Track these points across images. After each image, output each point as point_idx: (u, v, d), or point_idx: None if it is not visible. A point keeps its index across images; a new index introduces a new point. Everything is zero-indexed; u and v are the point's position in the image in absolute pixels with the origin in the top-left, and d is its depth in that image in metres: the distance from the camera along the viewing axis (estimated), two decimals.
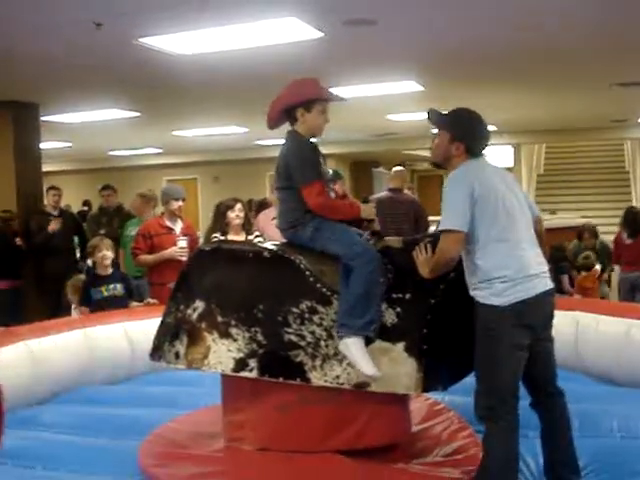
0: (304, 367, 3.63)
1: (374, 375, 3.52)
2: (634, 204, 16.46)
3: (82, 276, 7.25)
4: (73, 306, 6.62)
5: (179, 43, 6.22)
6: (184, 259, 6.12)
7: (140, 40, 6.05)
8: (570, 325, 5.37)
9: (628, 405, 4.48)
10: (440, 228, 3.38)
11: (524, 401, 3.57)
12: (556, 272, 8.20)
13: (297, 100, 3.72)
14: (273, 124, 3.88)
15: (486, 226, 3.35)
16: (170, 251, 6.51)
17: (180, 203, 6.83)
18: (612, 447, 3.97)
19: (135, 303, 6.42)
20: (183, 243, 6.53)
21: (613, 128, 15.42)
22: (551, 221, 11.01)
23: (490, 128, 13.39)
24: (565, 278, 8.32)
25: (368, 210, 3.84)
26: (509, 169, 19.39)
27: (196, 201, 19.55)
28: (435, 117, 3.68)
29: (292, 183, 3.71)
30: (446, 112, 3.69)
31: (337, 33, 6.06)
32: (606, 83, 9.40)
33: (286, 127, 3.89)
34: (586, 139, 17.76)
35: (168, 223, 6.82)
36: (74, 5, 5.12)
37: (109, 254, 6.33)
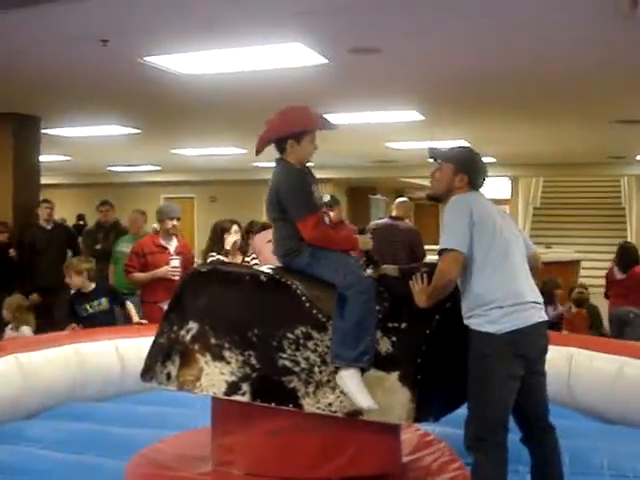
0: (297, 393, 3.60)
1: (370, 407, 3.50)
2: (629, 240, 16.52)
3: (34, 295, 7.40)
4: (9, 326, 6.44)
5: (184, 63, 6.25)
6: (177, 278, 6.11)
7: (145, 59, 6.08)
8: (564, 360, 5.36)
9: (619, 443, 4.46)
10: (440, 247, 3.43)
11: (515, 435, 3.57)
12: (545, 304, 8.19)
13: (287, 132, 3.67)
14: (260, 152, 3.83)
15: (483, 251, 3.41)
16: (163, 270, 6.49)
17: (175, 222, 6.82)
18: None
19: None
20: (176, 262, 6.51)
21: (611, 164, 15.52)
22: (546, 255, 11.01)
23: (488, 160, 13.63)
24: (549, 310, 8.28)
25: (365, 241, 3.81)
26: (506, 201, 19.50)
27: (192, 220, 19.56)
28: (437, 151, 3.81)
29: (286, 215, 3.69)
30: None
31: (341, 60, 6.10)
32: (605, 120, 9.48)
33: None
34: (583, 174, 17.88)
35: (162, 242, 6.80)
36: (81, 21, 5.13)
37: (79, 278, 6.21)
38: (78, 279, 6.20)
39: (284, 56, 5.93)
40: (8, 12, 4.84)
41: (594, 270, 12.91)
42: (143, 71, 6.51)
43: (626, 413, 4.96)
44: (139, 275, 6.64)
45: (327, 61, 6.08)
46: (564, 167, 16.16)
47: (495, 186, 21.61)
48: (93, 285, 6.26)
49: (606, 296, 8.83)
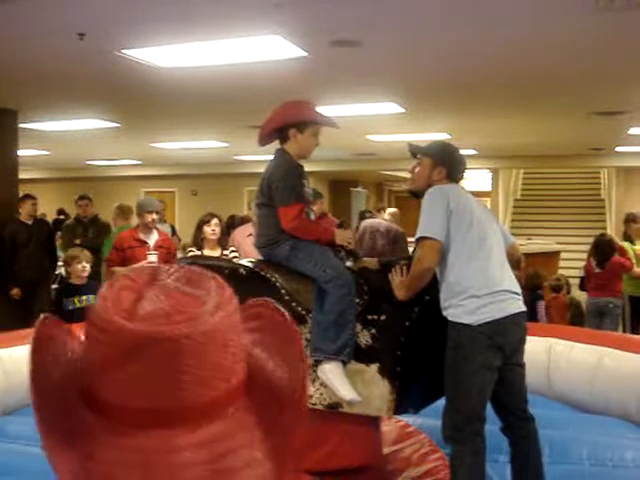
0: None
1: (353, 400, 3.50)
2: (608, 232, 16.63)
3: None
4: None
5: (162, 56, 6.21)
6: None
7: (123, 51, 6.03)
8: (543, 351, 5.39)
9: (598, 432, 4.51)
10: (417, 236, 3.48)
11: (495, 425, 3.60)
12: (532, 299, 8.26)
13: (292, 120, 3.73)
14: (264, 142, 3.87)
15: (459, 240, 3.45)
16: (139, 265, 6.46)
17: (154, 216, 6.80)
18: (581, 475, 4.00)
19: None
20: (153, 258, 6.47)
21: (590, 156, 15.61)
22: (526, 246, 11.08)
23: (469, 152, 13.63)
24: (541, 305, 8.34)
25: (342, 236, 3.80)
26: (487, 193, 19.56)
27: (174, 214, 19.49)
28: (416, 147, 3.89)
29: (271, 201, 3.71)
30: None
31: (321, 53, 6.08)
32: (585, 112, 9.52)
33: (273, 146, 3.90)
34: (564, 166, 17.97)
35: (142, 236, 6.77)
36: (57, 15, 5.09)
37: (88, 267, 6.28)
38: (89, 266, 6.25)
39: (264, 49, 5.90)
40: None
41: (574, 261, 12.99)
42: (121, 64, 6.46)
43: (605, 403, 5.01)
44: (118, 270, 6.62)
45: (307, 54, 6.07)
46: (545, 159, 16.24)
47: (476, 178, 21.72)
48: (86, 280, 6.30)
49: (581, 288, 8.90)
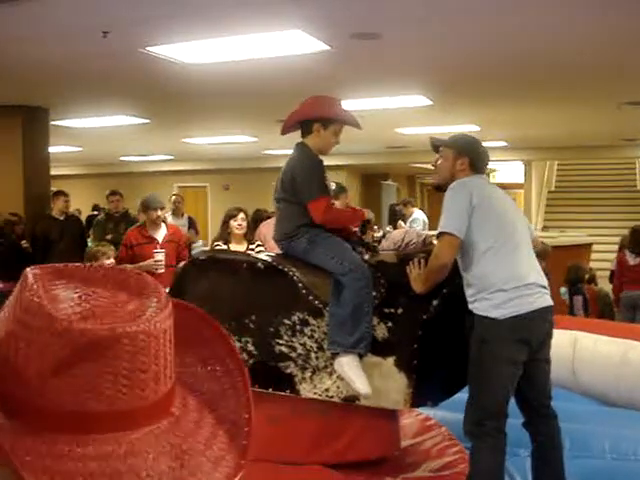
0: (294, 379, 3.63)
1: (367, 394, 3.52)
2: None
3: None
4: None
5: (185, 52, 6.27)
6: (161, 271, 6.15)
7: (147, 49, 6.10)
8: (568, 344, 5.35)
9: (621, 426, 4.46)
10: (437, 231, 3.47)
11: (517, 419, 3.57)
12: (570, 293, 8.20)
13: (317, 115, 3.76)
14: (286, 131, 3.91)
15: (484, 235, 3.41)
16: (146, 263, 6.46)
17: (159, 212, 6.83)
18: (603, 468, 3.96)
19: None
20: (160, 256, 6.45)
21: (623, 147, 15.40)
22: (556, 239, 10.96)
23: (500, 144, 13.47)
24: (579, 299, 8.22)
25: (367, 214, 3.88)
26: (520, 185, 19.40)
27: (206, 209, 19.61)
28: (438, 140, 3.87)
29: (293, 196, 3.73)
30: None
31: (344, 46, 6.09)
32: (614, 102, 9.39)
33: (293, 136, 3.92)
34: (596, 157, 17.74)
35: (149, 232, 6.80)
36: (82, 13, 5.16)
37: (108, 263, 6.33)
38: (109, 262, 6.32)
39: (286, 43, 5.93)
40: (13, 4, 4.87)
41: (608, 254, 12.81)
42: (146, 61, 6.53)
43: (630, 396, 4.96)
44: (126, 267, 6.66)
45: (329, 48, 6.07)
46: (577, 150, 16.04)
47: (509, 171, 21.53)
48: None
49: (611, 281, 8.77)
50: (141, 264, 6.49)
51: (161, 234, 6.81)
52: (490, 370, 3.35)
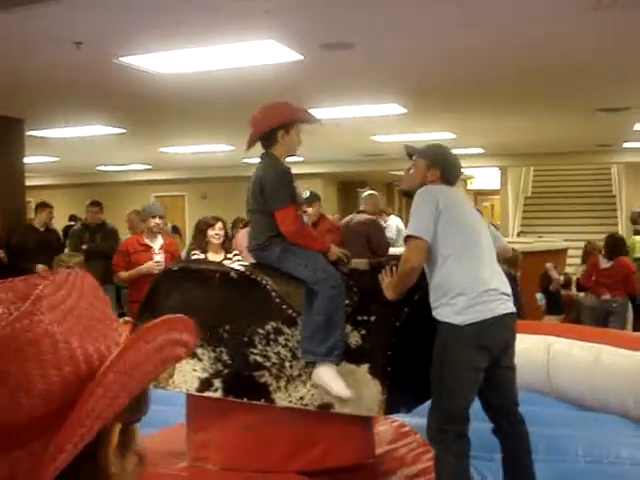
0: (269, 388, 3.64)
1: (347, 396, 3.52)
2: (620, 228, 16.57)
3: None
4: None
5: (158, 62, 6.27)
6: None
7: (120, 59, 6.09)
8: (543, 349, 5.39)
9: (594, 430, 4.51)
10: (404, 235, 3.55)
11: (490, 424, 3.61)
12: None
13: (277, 123, 3.75)
14: (251, 146, 3.90)
15: (448, 240, 3.46)
16: (147, 265, 6.51)
17: (157, 220, 6.84)
18: (576, 472, 4.00)
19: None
20: (160, 257, 6.54)
21: (598, 153, 15.56)
22: (532, 244, 11.04)
23: (476, 151, 13.52)
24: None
25: (336, 252, 3.80)
26: (496, 192, 19.54)
27: (184, 218, 19.56)
28: (412, 148, 3.93)
29: (264, 206, 3.73)
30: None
31: (317, 56, 6.12)
32: (590, 108, 9.50)
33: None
34: (572, 163, 17.90)
35: (147, 241, 6.82)
36: (55, 24, 5.15)
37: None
38: None
39: (260, 53, 5.95)
40: None
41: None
42: (120, 71, 6.52)
43: (604, 400, 5.00)
44: (124, 273, 6.69)
45: (302, 57, 6.10)
46: (552, 156, 16.18)
47: (486, 177, 21.64)
48: None
49: (579, 289, 9.02)
50: (141, 267, 6.54)
51: (157, 243, 6.84)
52: (450, 376, 3.38)
